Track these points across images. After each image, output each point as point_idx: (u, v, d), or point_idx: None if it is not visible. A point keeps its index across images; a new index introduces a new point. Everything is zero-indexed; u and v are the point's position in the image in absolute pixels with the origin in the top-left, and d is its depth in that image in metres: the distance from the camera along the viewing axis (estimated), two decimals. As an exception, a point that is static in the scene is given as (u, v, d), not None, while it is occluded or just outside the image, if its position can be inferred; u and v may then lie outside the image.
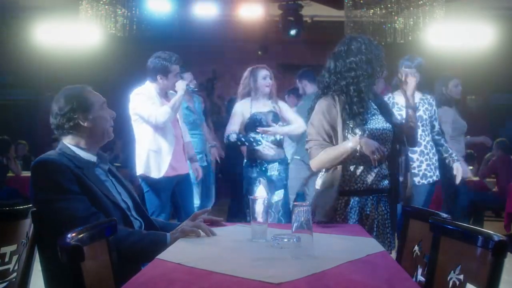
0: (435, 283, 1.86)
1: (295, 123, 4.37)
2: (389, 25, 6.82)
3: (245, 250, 1.97)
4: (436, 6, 6.11)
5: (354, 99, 2.62)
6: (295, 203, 1.83)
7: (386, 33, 6.78)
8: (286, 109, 4.44)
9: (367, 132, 2.58)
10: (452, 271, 1.75)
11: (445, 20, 6.67)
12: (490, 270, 1.56)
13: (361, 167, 2.63)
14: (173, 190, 4.16)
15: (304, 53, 9.34)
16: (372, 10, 6.67)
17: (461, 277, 1.71)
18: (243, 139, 4.22)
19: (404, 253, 2.33)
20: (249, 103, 4.31)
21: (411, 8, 6.51)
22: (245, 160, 4.45)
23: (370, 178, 2.63)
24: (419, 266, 2.15)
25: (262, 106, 4.29)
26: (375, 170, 2.64)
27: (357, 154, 2.56)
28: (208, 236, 2.13)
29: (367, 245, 2.03)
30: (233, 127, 4.25)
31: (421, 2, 6.32)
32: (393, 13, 6.58)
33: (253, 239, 2.10)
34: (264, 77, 4.31)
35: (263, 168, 4.26)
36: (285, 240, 1.95)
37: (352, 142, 2.53)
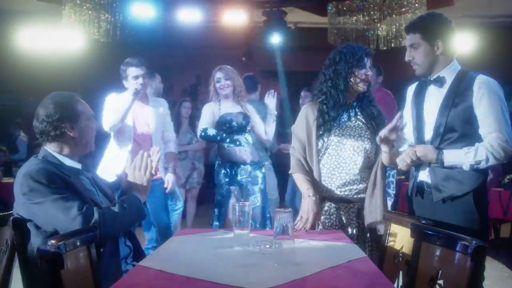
0: (416, 288, 1.88)
1: (260, 128, 4.24)
2: (372, 32, 6.86)
3: (227, 256, 1.97)
4: (418, 13, 6.15)
5: (325, 109, 2.70)
6: (277, 209, 1.84)
7: (369, 40, 6.82)
8: (253, 112, 4.23)
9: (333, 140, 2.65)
10: (433, 276, 1.77)
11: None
12: (469, 275, 1.58)
13: (337, 175, 2.66)
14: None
15: (288, 59, 9.37)
16: (355, 17, 6.71)
17: (442, 282, 1.73)
18: (224, 135, 4.01)
19: (385, 259, 2.34)
20: (217, 104, 4.16)
21: (394, 15, 6.56)
22: (217, 162, 4.21)
23: (342, 185, 2.65)
24: (400, 271, 2.17)
25: (231, 107, 4.12)
26: (350, 178, 2.65)
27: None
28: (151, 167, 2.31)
29: (349, 251, 2.04)
30: (206, 125, 4.06)
31: (403, 9, 6.37)
32: (375, 20, 6.63)
33: (235, 245, 2.10)
34: (217, 80, 4.15)
35: (233, 172, 4.03)
36: (267, 246, 1.96)
37: (306, 196, 2.60)
